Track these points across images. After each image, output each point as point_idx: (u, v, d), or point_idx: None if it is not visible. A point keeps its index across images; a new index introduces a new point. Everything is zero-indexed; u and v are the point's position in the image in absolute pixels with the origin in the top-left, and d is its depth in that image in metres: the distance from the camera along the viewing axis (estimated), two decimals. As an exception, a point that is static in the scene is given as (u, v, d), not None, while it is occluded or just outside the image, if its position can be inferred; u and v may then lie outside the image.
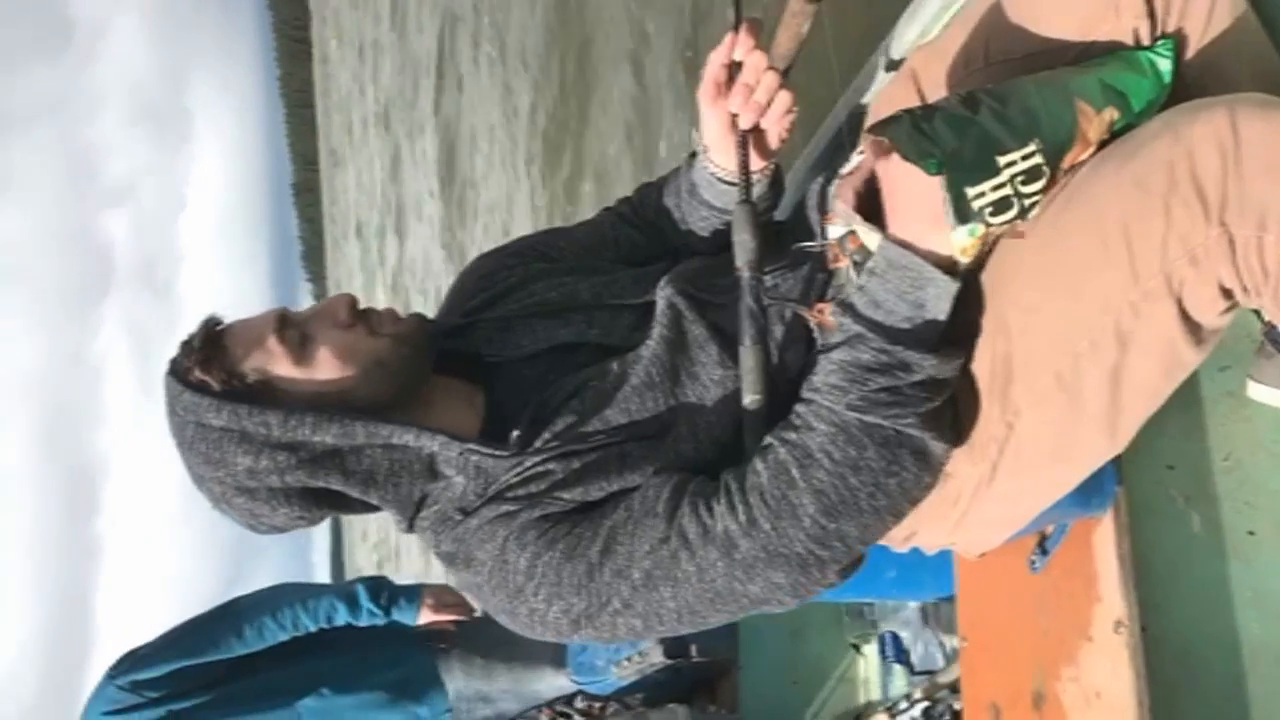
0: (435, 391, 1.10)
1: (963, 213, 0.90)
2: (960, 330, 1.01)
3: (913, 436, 0.96)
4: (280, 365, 1.03)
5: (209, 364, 1.02)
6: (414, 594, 2.33)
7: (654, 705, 2.31)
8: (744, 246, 1.03)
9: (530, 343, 1.13)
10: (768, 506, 0.95)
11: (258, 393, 1.03)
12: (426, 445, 1.04)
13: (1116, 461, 1.08)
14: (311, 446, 1.02)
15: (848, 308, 0.98)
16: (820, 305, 1.10)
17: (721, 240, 1.12)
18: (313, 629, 2.24)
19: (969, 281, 1.01)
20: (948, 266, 0.94)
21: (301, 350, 1.03)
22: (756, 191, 1.12)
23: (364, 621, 2.29)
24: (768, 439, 1.01)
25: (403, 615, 2.31)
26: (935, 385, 0.96)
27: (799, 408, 1.00)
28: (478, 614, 2.33)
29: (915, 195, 0.93)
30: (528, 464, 1.03)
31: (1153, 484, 1.28)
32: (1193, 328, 0.92)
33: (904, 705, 1.94)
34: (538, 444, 1.04)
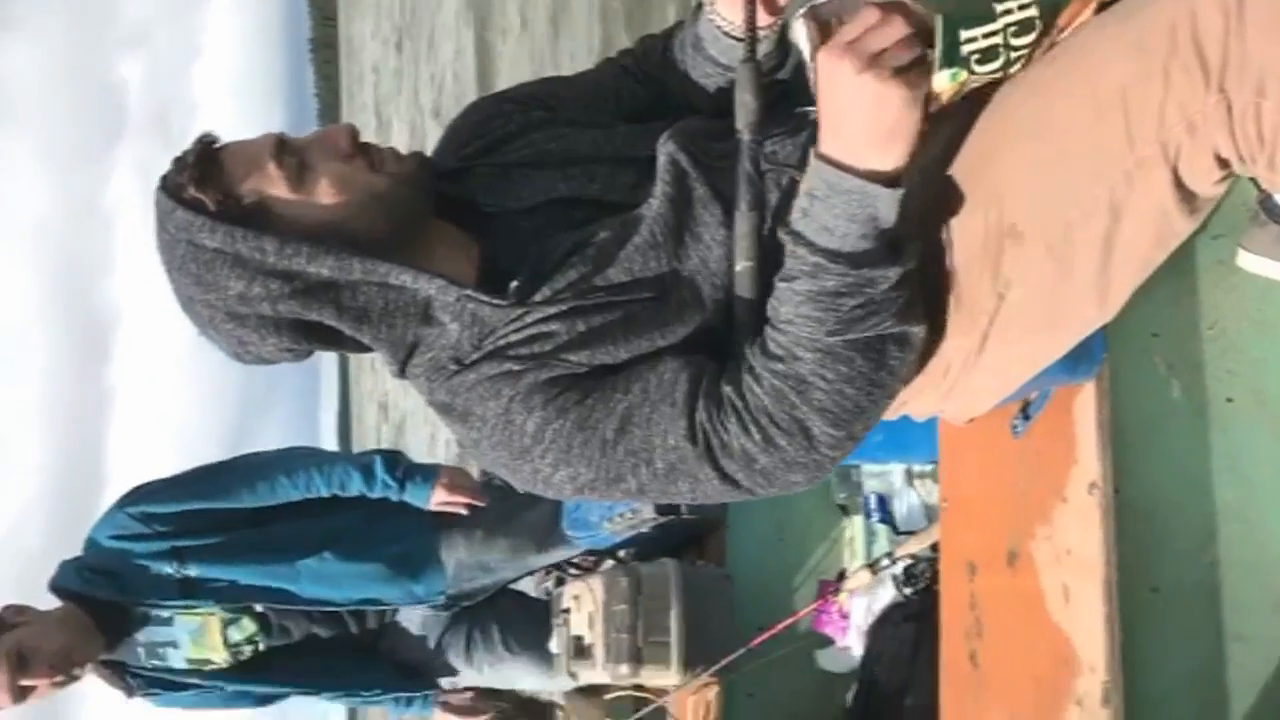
0: (433, 235, 1.08)
1: (950, 56, 0.88)
2: (950, 202, 1.00)
3: (893, 333, 0.98)
4: (278, 188, 1.01)
5: (204, 182, 1.00)
6: (430, 473, 2.33)
7: (645, 559, 2.39)
8: (745, 108, 1.01)
9: (528, 194, 1.10)
10: (779, 427, 0.98)
11: (253, 216, 1.01)
12: (424, 288, 1.02)
13: (1104, 329, 1.09)
14: (306, 277, 1.00)
15: (799, 237, 0.96)
16: None
17: (725, 100, 1.08)
18: (324, 493, 2.27)
19: (955, 152, 0.99)
20: (890, 178, 0.92)
21: (299, 176, 1.01)
22: (762, 49, 1.08)
23: (377, 493, 2.30)
24: (750, 361, 1.00)
25: (416, 493, 2.31)
26: (902, 282, 0.96)
27: (776, 336, 0.99)
28: (487, 502, 2.35)
29: (850, 107, 0.90)
30: (529, 320, 1.02)
31: (1136, 350, 1.30)
32: (1187, 196, 0.92)
33: (885, 563, 2.01)
34: (538, 298, 1.02)
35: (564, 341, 1.01)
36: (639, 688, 2.46)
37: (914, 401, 1.18)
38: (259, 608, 2.23)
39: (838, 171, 0.93)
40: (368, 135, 1.11)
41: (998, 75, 0.93)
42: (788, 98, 1.14)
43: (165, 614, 2.17)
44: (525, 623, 2.50)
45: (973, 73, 0.90)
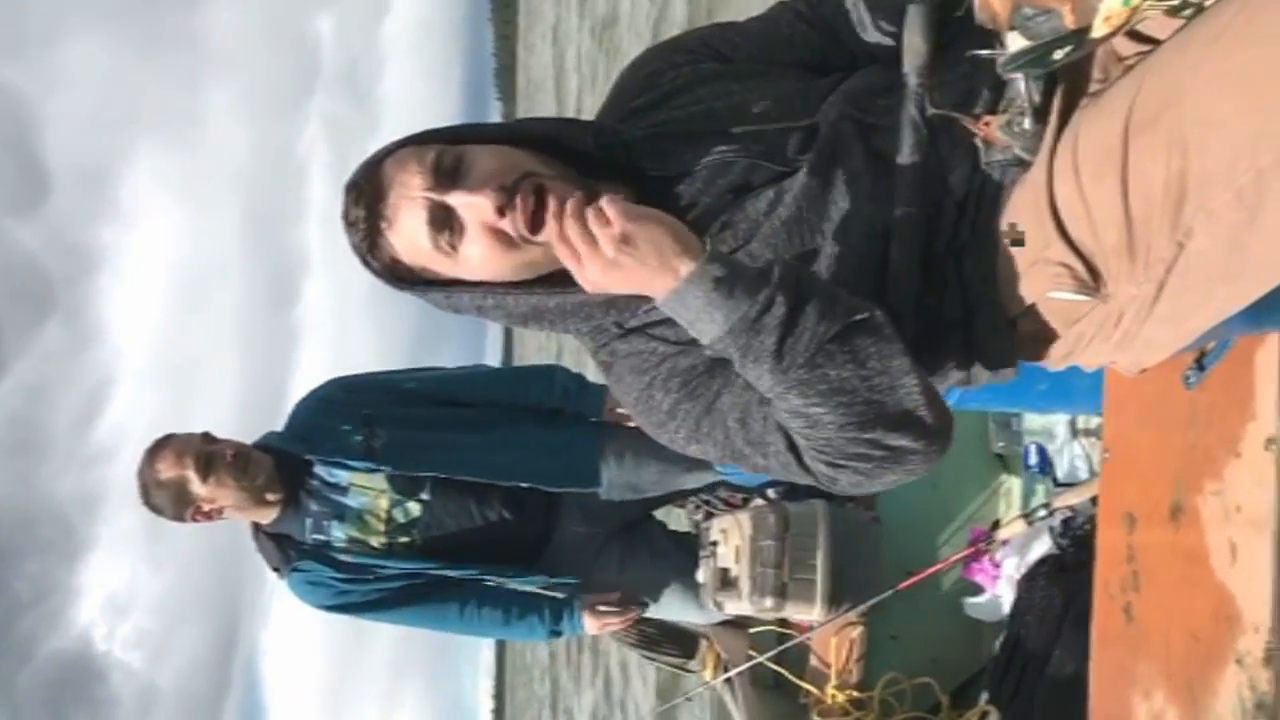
0: None
1: None
2: (1127, 147, 0.97)
3: (836, 332, 1.01)
4: (437, 265, 1.11)
5: (373, 252, 1.11)
6: (603, 388, 2.45)
7: (793, 499, 2.41)
8: (913, 50, 1.00)
9: (691, 157, 1.13)
10: (834, 455, 1.04)
11: (420, 277, 1.12)
12: (572, 299, 1.10)
13: (1293, 281, 1.03)
14: (477, 307, 1.13)
15: (712, 349, 1.04)
16: (988, 119, 1.07)
17: (897, 47, 1.08)
18: (505, 399, 2.45)
19: (1139, 95, 0.96)
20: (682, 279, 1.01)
21: (452, 248, 1.08)
22: None
23: (554, 401, 2.45)
24: (781, 422, 1.07)
25: (591, 403, 2.46)
26: (787, 299, 1.00)
27: (775, 404, 1.05)
28: None
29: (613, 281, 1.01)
30: None
31: (1332, 303, 1.22)
32: None
33: (1042, 513, 1.97)
34: None
35: None
36: (783, 623, 2.50)
37: (1083, 351, 1.16)
38: (425, 494, 2.33)
39: (665, 306, 1.03)
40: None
41: (1174, 2, 0.87)
42: (959, 40, 1.11)
43: (342, 482, 2.32)
44: (675, 553, 2.57)
45: None
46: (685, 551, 2.53)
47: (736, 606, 2.37)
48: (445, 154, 1.08)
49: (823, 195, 1.08)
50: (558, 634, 2.50)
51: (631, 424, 2.38)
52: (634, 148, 1.16)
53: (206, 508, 2.27)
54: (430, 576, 2.37)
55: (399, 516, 2.33)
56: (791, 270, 1.02)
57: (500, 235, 1.07)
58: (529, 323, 1.15)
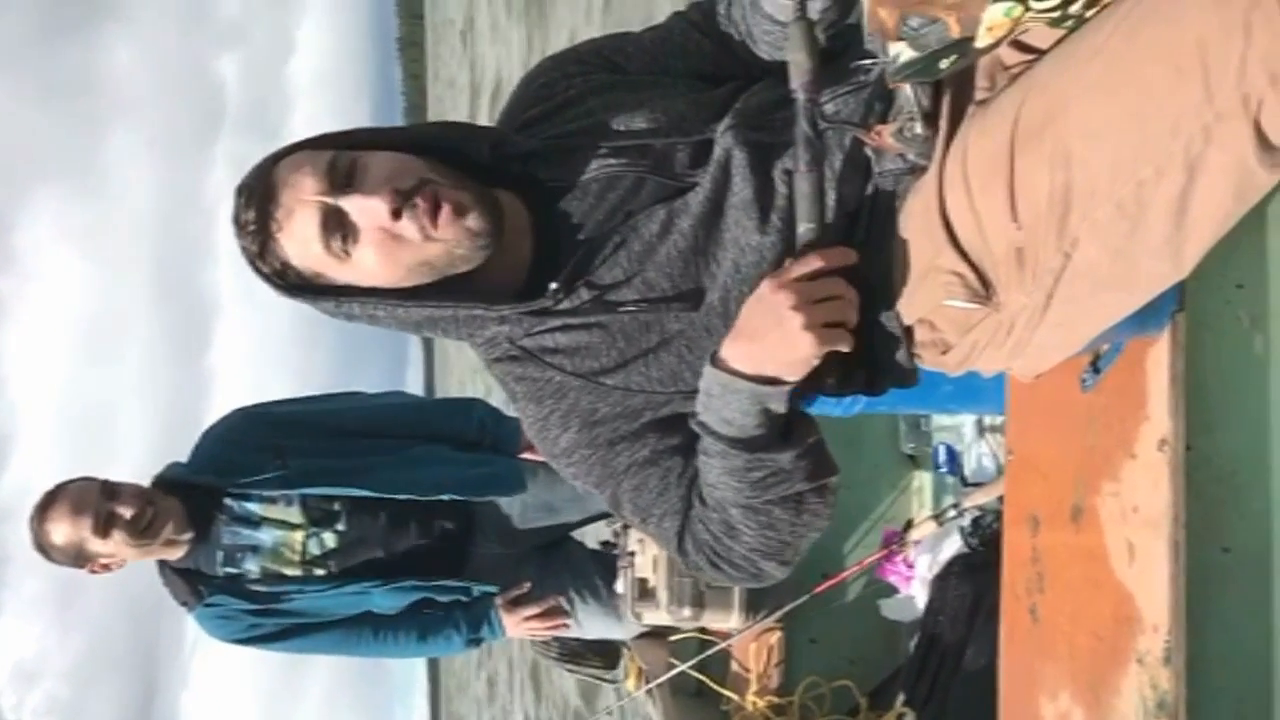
0: None
1: None
2: (1011, 158, 0.97)
3: (807, 489, 1.11)
4: (329, 269, 1.08)
5: (262, 256, 1.08)
6: (518, 425, 2.43)
7: (710, 505, 2.39)
8: (799, 67, 0.99)
9: (582, 169, 1.12)
10: (721, 558, 1.15)
11: (311, 282, 1.10)
12: (465, 312, 1.10)
13: (1178, 284, 1.05)
14: (369, 315, 1.11)
15: (704, 427, 1.09)
16: (879, 128, 1.07)
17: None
18: (420, 432, 2.38)
19: (1022, 108, 0.96)
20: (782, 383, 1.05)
21: (346, 254, 1.05)
22: (816, 7, 1.06)
23: (473, 430, 2.42)
24: (695, 509, 1.14)
25: (507, 437, 2.41)
26: (806, 453, 1.10)
27: (709, 492, 1.12)
28: None
29: (766, 331, 1.03)
30: (572, 323, 1.10)
31: (1219, 303, 1.24)
32: (1268, 149, 0.88)
33: (952, 514, 1.99)
34: (583, 299, 1.10)
35: (603, 362, 1.11)
36: (703, 630, 2.49)
37: (978, 358, 1.17)
38: (341, 525, 2.27)
39: (729, 376, 1.05)
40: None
41: (1054, 14, 0.88)
42: (847, 52, 1.11)
43: (254, 515, 2.24)
44: (595, 571, 2.53)
45: (1029, 9, 0.86)
46: (604, 569, 2.49)
47: (655, 616, 2.35)
48: (340, 158, 1.05)
49: (717, 224, 1.09)
50: (477, 642, 2.46)
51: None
52: (528, 158, 1.15)
53: (106, 562, 2.17)
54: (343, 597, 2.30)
55: (314, 548, 2.27)
56: (815, 437, 1.12)
57: (394, 238, 1.04)
58: (423, 330, 1.14)
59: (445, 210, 1.03)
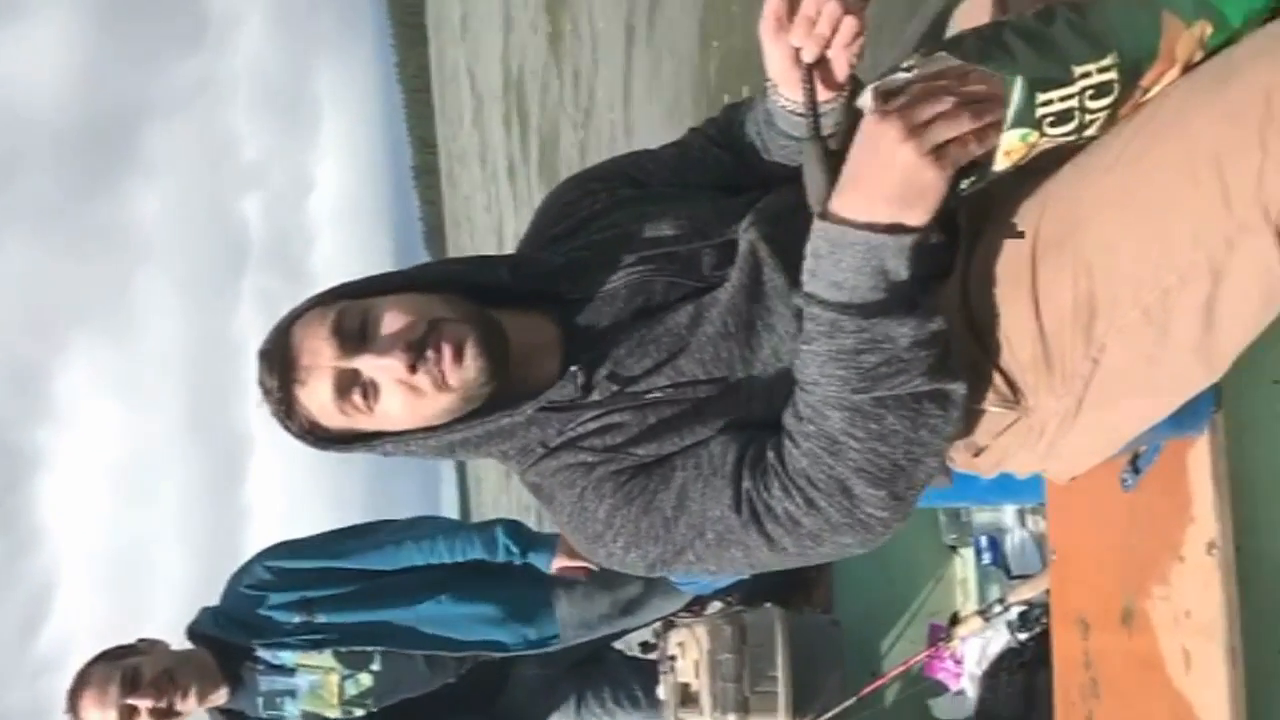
0: (515, 343, 1.10)
1: (1022, 117, 0.86)
2: (1035, 269, 0.98)
3: (927, 391, 0.96)
4: (356, 423, 1.08)
5: (290, 417, 1.08)
6: (550, 540, 2.39)
7: (750, 604, 2.36)
8: (814, 183, 1.00)
9: (609, 279, 1.12)
10: (818, 489, 0.98)
11: (339, 434, 1.10)
12: (492, 426, 1.08)
13: (1215, 384, 1.04)
14: (405, 450, 1.11)
15: (810, 297, 0.97)
16: None
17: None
18: (447, 560, 2.34)
19: (1042, 219, 0.97)
20: (903, 230, 0.92)
21: (370, 406, 1.06)
22: (829, 122, 1.08)
23: (499, 559, 2.37)
24: (788, 427, 1.02)
25: (538, 559, 2.37)
26: (929, 340, 0.96)
27: (805, 397, 1.00)
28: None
29: (885, 165, 0.90)
30: (603, 413, 1.06)
31: (1258, 400, 1.23)
32: None
33: (998, 609, 1.94)
34: (611, 390, 1.06)
35: (634, 435, 1.06)
36: (750, 734, 2.43)
37: (1010, 461, 1.16)
38: (376, 665, 2.27)
39: (839, 227, 0.94)
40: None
41: (1070, 139, 0.89)
42: None
43: (289, 664, 2.25)
44: (634, 679, 2.51)
45: (1044, 134, 0.87)
46: (644, 676, 2.46)
47: (699, 723, 2.30)
48: (348, 314, 1.06)
49: (748, 310, 1.07)
50: None
51: (580, 575, 2.34)
52: (553, 275, 1.15)
53: None
54: None
55: (351, 689, 2.27)
56: (940, 325, 0.96)
57: (412, 389, 1.04)
58: (456, 452, 1.12)
59: (447, 354, 1.03)
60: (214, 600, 2.31)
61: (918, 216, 0.92)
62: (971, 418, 1.10)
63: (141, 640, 2.20)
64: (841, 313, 0.95)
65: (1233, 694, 1.12)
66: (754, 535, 1.01)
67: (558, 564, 2.34)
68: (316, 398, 1.06)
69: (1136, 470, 1.27)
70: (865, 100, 0.92)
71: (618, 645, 2.64)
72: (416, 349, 1.02)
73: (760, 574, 2.32)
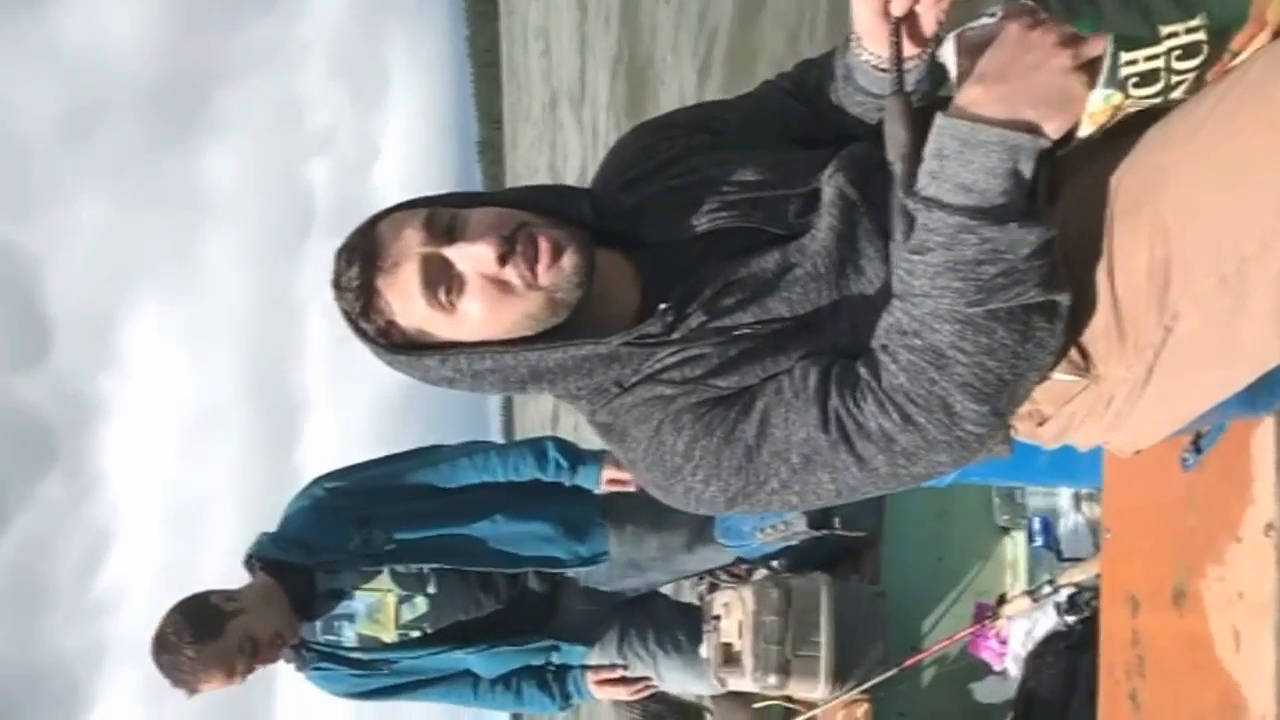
0: (596, 276, 1.08)
1: (1108, 78, 0.86)
2: (1112, 232, 0.97)
3: (1039, 303, 0.95)
4: (433, 325, 1.05)
5: (366, 314, 1.05)
6: (598, 455, 2.44)
7: (797, 571, 2.38)
8: (896, 140, 1.00)
9: (692, 224, 1.11)
10: (916, 405, 0.96)
11: (416, 340, 1.07)
12: (575, 353, 1.06)
13: (1288, 362, 1.03)
14: (474, 372, 1.08)
15: (931, 202, 0.93)
16: None
17: (882, 127, 1.09)
18: (501, 477, 2.40)
19: (1121, 182, 0.96)
20: (1038, 132, 0.90)
21: (451, 307, 1.03)
22: (912, 78, 1.07)
23: (550, 475, 2.41)
24: (887, 342, 1.00)
25: (587, 475, 2.42)
26: (1046, 248, 0.93)
27: (910, 310, 0.98)
28: None
29: (1034, 68, 0.89)
30: (683, 347, 1.05)
31: (1328, 385, 1.21)
32: None
33: (1047, 590, 1.94)
34: (695, 325, 1.05)
35: (714, 366, 1.04)
36: (788, 698, 2.46)
37: (1075, 431, 1.15)
38: (431, 588, 2.33)
39: (971, 125, 0.90)
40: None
41: (1156, 101, 0.89)
42: None
43: (346, 587, 2.31)
44: (679, 625, 2.54)
45: (1129, 96, 0.87)
46: (689, 623, 2.50)
47: (740, 683, 2.33)
48: (439, 213, 1.05)
49: (839, 252, 1.05)
50: (569, 700, 2.54)
51: (629, 487, 2.39)
52: (631, 215, 1.14)
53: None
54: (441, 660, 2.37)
55: (407, 613, 2.34)
56: (1054, 229, 0.93)
57: (502, 285, 1.02)
58: (527, 386, 1.10)
59: (544, 250, 1.01)
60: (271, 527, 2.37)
61: (1058, 126, 0.89)
62: (1038, 386, 1.10)
63: (214, 593, 2.21)
64: (970, 217, 0.91)
65: (1281, 676, 1.11)
66: (843, 455, 0.99)
67: (606, 475, 2.39)
68: (401, 287, 1.03)
69: (1199, 450, 1.26)
70: (947, 49, 0.92)
71: (665, 591, 2.67)
72: (508, 242, 1.02)
73: (807, 543, 2.37)
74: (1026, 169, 0.90)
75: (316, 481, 2.37)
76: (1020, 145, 0.89)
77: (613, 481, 2.40)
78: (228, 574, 2.36)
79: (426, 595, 2.34)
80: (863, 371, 1.00)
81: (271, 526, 2.36)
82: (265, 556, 2.29)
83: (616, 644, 2.50)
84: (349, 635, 2.32)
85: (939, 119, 0.93)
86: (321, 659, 2.33)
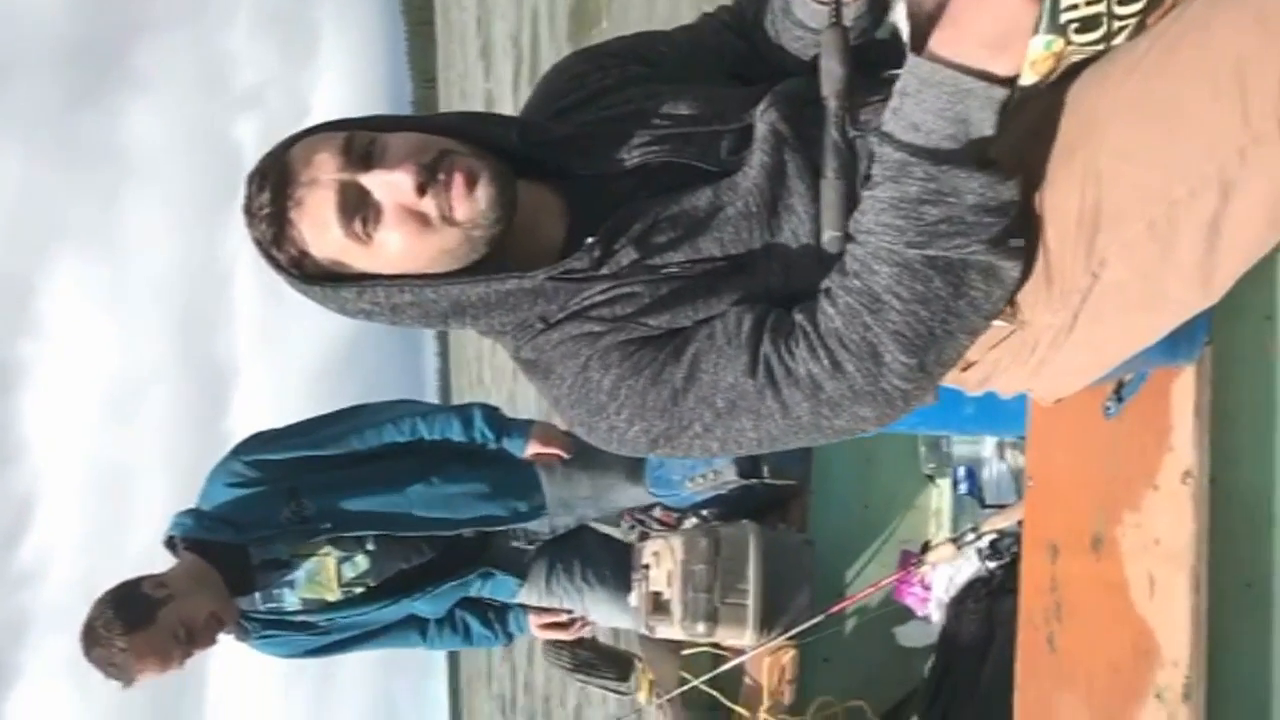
0: (520, 208, 1.04)
1: (1049, 23, 0.84)
2: (1044, 176, 0.96)
3: (979, 261, 0.95)
4: (349, 255, 1.01)
5: (278, 243, 1.01)
6: (524, 426, 2.43)
7: (726, 520, 2.39)
8: (831, 75, 0.98)
9: (621, 156, 1.08)
10: (848, 350, 0.96)
11: (331, 271, 1.03)
12: (498, 287, 1.02)
13: (1209, 312, 1.03)
14: (393, 305, 1.04)
15: (885, 137, 0.93)
16: None
17: (816, 65, 1.06)
18: (426, 439, 2.36)
19: (1054, 124, 0.95)
20: (990, 79, 0.89)
21: (368, 237, 1.00)
22: (851, 13, 1.05)
23: (475, 440, 2.39)
24: (827, 283, 0.99)
25: (512, 444, 2.40)
26: (998, 208, 0.93)
27: (854, 250, 0.97)
28: (574, 451, 2.40)
29: (984, 3, 0.87)
30: (613, 285, 1.02)
31: (1247, 334, 1.23)
32: None
33: (970, 537, 1.97)
34: (625, 262, 1.02)
35: (645, 305, 1.02)
36: (716, 645, 2.48)
37: (999, 378, 1.15)
38: (370, 545, 2.28)
39: (932, 65, 0.90)
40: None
41: (1100, 47, 0.87)
42: (882, 63, 1.10)
43: (283, 555, 2.24)
44: (605, 559, 2.55)
45: (1070, 42, 0.85)
46: (617, 557, 2.51)
47: (669, 631, 2.34)
48: (358, 136, 1.00)
49: (770, 189, 1.03)
50: (511, 637, 2.59)
51: (557, 448, 2.37)
52: (562, 145, 1.10)
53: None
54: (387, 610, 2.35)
55: (349, 571, 2.28)
56: (1012, 193, 0.92)
57: (420, 217, 0.98)
58: (449, 320, 1.06)
59: (458, 181, 0.97)
60: (189, 504, 2.26)
61: (1006, 63, 0.89)
62: None
63: (145, 579, 2.11)
64: (910, 153, 0.92)
65: (1194, 621, 1.14)
66: (769, 401, 0.99)
67: (531, 449, 2.38)
68: (315, 214, 0.99)
69: (1120, 399, 1.27)
70: (899, 12, 0.90)
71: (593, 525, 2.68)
72: (428, 170, 0.98)
73: (736, 492, 2.38)
74: (978, 117, 0.90)
75: (234, 454, 2.26)
76: (971, 90, 0.89)
77: (538, 455, 2.39)
78: (155, 542, 2.28)
79: (366, 552, 2.28)
80: (799, 318, 0.99)
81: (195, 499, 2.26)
82: (193, 538, 2.19)
83: (545, 577, 2.50)
84: (291, 600, 2.24)
85: (910, 57, 0.92)
86: (266, 627, 2.26)
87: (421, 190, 0.98)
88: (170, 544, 2.22)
